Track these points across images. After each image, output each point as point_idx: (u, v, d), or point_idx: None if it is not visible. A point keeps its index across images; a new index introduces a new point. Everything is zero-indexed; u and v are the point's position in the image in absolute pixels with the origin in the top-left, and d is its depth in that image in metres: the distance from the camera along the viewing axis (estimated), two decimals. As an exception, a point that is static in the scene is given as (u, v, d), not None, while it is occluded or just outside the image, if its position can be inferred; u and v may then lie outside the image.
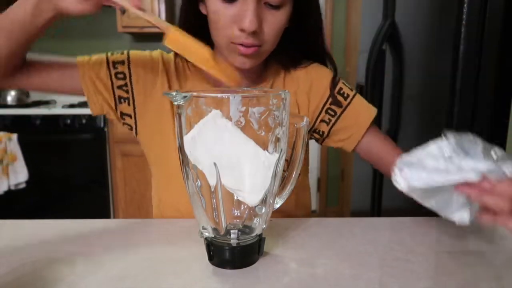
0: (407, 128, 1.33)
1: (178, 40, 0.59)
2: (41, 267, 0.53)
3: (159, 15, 2.54)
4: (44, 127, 2.37)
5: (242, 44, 0.64)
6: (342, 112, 0.78)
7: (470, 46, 0.99)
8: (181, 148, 0.51)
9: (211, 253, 0.53)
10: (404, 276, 0.51)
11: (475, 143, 0.46)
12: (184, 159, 0.51)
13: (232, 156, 0.48)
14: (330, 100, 0.78)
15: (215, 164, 0.47)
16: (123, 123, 0.78)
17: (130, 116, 0.76)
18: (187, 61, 0.78)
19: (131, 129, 0.78)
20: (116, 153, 2.40)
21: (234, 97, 0.46)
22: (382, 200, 1.54)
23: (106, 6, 0.59)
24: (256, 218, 0.52)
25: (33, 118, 2.35)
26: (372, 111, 0.80)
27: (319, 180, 3.07)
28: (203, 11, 0.69)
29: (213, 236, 0.52)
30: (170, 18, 2.72)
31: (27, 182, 2.33)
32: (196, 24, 0.69)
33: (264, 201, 0.51)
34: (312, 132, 0.81)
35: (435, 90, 1.14)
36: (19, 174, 2.30)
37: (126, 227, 0.68)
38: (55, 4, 0.57)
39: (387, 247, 0.60)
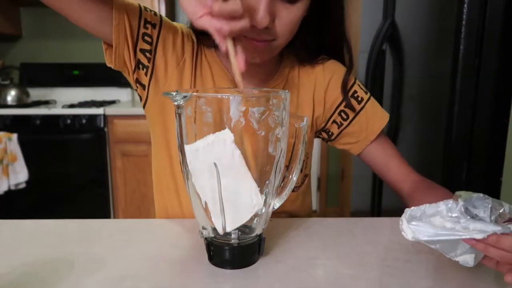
0: (407, 128, 1.34)
1: None
2: (41, 267, 0.53)
3: (159, 15, 2.54)
4: (44, 127, 2.36)
5: (253, 39, 0.60)
6: (354, 117, 0.76)
7: (470, 46, 1.00)
8: (181, 148, 0.51)
9: (211, 253, 0.53)
10: (404, 276, 0.51)
11: (485, 204, 0.46)
12: (184, 159, 0.51)
13: (226, 187, 0.48)
14: (344, 102, 0.75)
15: (215, 164, 0.47)
16: (136, 89, 0.73)
17: (144, 87, 0.70)
18: (203, 51, 0.73)
19: (140, 99, 0.73)
20: (116, 153, 2.40)
21: (234, 97, 0.46)
22: (382, 200, 1.54)
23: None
24: (256, 218, 0.52)
25: (33, 118, 2.35)
26: (385, 117, 0.78)
27: (319, 180, 3.07)
28: None
29: (213, 236, 0.52)
30: (170, 18, 2.72)
31: (27, 182, 2.33)
32: None
33: (264, 201, 0.51)
34: (321, 130, 0.79)
35: (435, 90, 1.14)
36: (19, 174, 2.30)
37: (126, 227, 0.68)
38: None
39: (387, 247, 0.60)
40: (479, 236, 0.44)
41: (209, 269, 0.53)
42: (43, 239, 0.62)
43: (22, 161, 2.29)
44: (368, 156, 0.79)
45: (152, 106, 0.73)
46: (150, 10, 0.70)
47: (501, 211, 0.46)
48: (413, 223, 0.47)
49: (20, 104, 2.51)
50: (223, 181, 0.48)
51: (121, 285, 0.49)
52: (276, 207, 0.56)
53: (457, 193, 0.48)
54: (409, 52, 1.32)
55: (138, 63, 0.68)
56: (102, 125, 2.37)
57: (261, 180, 0.50)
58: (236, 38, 0.56)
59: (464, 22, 0.99)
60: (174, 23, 0.73)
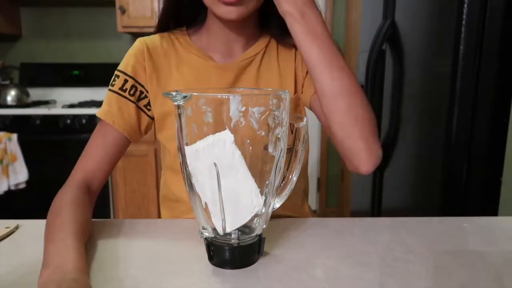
0: (407, 128, 1.33)
1: None
2: (41, 267, 0.53)
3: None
4: (44, 127, 2.37)
5: None
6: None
7: (470, 46, 1.00)
8: (181, 149, 0.51)
9: (211, 253, 0.53)
10: (404, 276, 0.51)
11: None
12: (184, 159, 0.51)
13: (226, 187, 0.48)
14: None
15: (215, 164, 0.47)
16: (147, 115, 0.78)
17: (147, 106, 0.77)
18: (175, 38, 0.79)
19: (154, 131, 0.79)
20: (116, 153, 2.40)
21: (234, 97, 0.46)
22: (382, 200, 1.54)
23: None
24: (256, 218, 0.52)
25: (33, 118, 2.36)
26: None
27: (319, 180, 3.07)
28: None
29: (213, 236, 0.52)
30: (170, 18, 2.72)
31: (27, 182, 2.33)
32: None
33: (264, 201, 0.51)
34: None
35: (435, 90, 1.14)
36: (19, 174, 2.30)
37: (126, 227, 0.68)
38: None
39: (387, 247, 0.60)
40: None
41: (209, 269, 0.53)
42: (43, 239, 0.62)
43: (22, 161, 2.29)
44: (316, 102, 0.74)
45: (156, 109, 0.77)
46: (112, 82, 0.77)
47: None
48: None
49: (20, 104, 2.51)
50: (223, 181, 0.48)
51: (121, 285, 0.49)
52: (276, 207, 0.56)
53: None
54: (409, 52, 1.32)
55: (142, 106, 0.77)
56: (102, 125, 2.37)
57: (261, 180, 0.50)
58: None
59: (464, 22, 0.99)
60: (128, 54, 0.78)
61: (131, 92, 0.75)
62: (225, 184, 0.48)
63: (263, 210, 0.52)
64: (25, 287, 0.49)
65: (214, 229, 0.52)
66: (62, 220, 0.58)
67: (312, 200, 3.11)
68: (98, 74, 2.83)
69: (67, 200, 0.64)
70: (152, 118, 0.77)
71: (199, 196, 0.51)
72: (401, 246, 0.60)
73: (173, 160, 0.79)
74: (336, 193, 3.09)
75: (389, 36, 1.43)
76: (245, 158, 0.48)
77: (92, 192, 0.71)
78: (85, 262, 0.52)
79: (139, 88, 0.76)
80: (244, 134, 0.47)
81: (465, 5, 0.98)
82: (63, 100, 2.86)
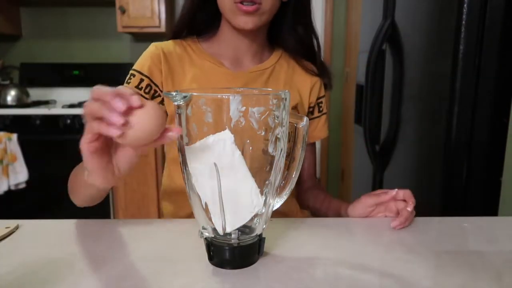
0: (407, 128, 1.33)
1: None
2: (41, 267, 0.53)
3: (159, 15, 2.54)
4: (44, 127, 2.37)
5: (242, 2, 0.71)
6: (311, 118, 0.91)
7: (470, 46, 1.00)
8: (181, 149, 0.51)
9: (211, 253, 0.53)
10: (404, 276, 0.51)
11: None
12: (184, 159, 0.51)
13: (227, 187, 0.48)
14: (312, 107, 0.90)
15: (215, 164, 0.47)
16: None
17: (161, 103, 0.82)
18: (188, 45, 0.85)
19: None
20: (116, 153, 2.40)
21: (234, 97, 0.46)
22: (382, 200, 1.54)
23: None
24: (256, 219, 0.52)
25: (33, 118, 2.36)
26: (326, 133, 0.94)
27: (319, 180, 3.08)
28: None
29: (213, 236, 0.52)
30: (170, 18, 2.72)
31: (27, 182, 2.33)
32: (202, 2, 0.80)
33: (264, 201, 0.51)
34: None
35: (435, 90, 1.14)
36: (19, 174, 2.30)
37: (126, 227, 0.68)
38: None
39: (387, 247, 0.60)
40: None
41: (209, 269, 0.53)
42: (43, 239, 0.62)
43: (22, 161, 2.29)
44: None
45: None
46: (127, 81, 0.83)
47: None
48: None
49: (20, 104, 2.51)
50: (223, 181, 0.48)
51: (121, 285, 0.49)
52: (276, 207, 0.56)
53: None
54: (409, 52, 1.32)
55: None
56: (102, 125, 2.37)
57: (261, 180, 0.50)
58: (230, 7, 0.73)
59: (464, 22, 0.99)
60: (145, 55, 0.85)
61: (146, 91, 0.80)
62: (225, 184, 0.48)
63: (263, 210, 0.52)
64: (25, 287, 0.49)
65: (214, 229, 0.52)
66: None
67: (312, 200, 3.11)
68: (98, 74, 2.83)
69: None
70: (166, 114, 0.81)
71: (199, 196, 0.51)
72: (401, 246, 0.60)
73: None
74: (336, 193, 3.09)
75: (389, 36, 1.43)
76: (245, 158, 0.48)
77: None
78: None
79: (154, 87, 0.80)
80: (244, 134, 0.47)
81: (465, 5, 0.98)
82: (63, 100, 2.86)
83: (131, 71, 0.82)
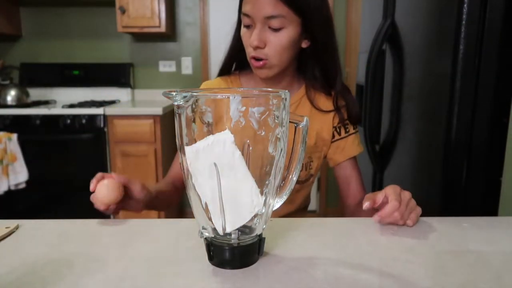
0: (407, 128, 1.33)
1: None
2: (41, 267, 0.53)
3: (159, 15, 2.54)
4: (44, 127, 2.37)
5: (253, 58, 0.83)
6: (343, 137, 0.97)
7: (470, 46, 0.99)
8: (181, 149, 0.51)
9: (211, 253, 0.53)
10: (404, 276, 0.51)
11: None
12: (184, 159, 0.51)
13: (227, 187, 0.48)
14: (339, 124, 0.97)
15: (215, 164, 0.47)
16: None
17: None
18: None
19: None
20: (116, 153, 2.40)
21: (234, 97, 0.46)
22: (382, 200, 1.53)
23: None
24: (256, 219, 0.52)
25: (33, 118, 2.36)
26: (361, 149, 0.99)
27: (319, 180, 3.07)
28: None
29: (213, 236, 0.52)
30: (170, 19, 2.72)
31: (27, 182, 2.33)
32: (239, 48, 0.90)
33: (264, 201, 0.51)
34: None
35: (435, 90, 1.14)
36: (19, 174, 2.30)
37: (126, 227, 0.68)
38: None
39: (387, 247, 0.60)
40: None
41: (209, 269, 0.53)
42: (43, 239, 0.62)
43: (22, 161, 2.29)
44: (339, 170, 0.98)
45: None
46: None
47: None
48: None
49: (20, 104, 2.51)
50: (223, 181, 0.48)
51: (121, 285, 0.49)
52: (276, 207, 0.56)
53: None
54: (409, 52, 1.31)
55: None
56: (102, 125, 2.37)
57: (261, 180, 0.50)
58: (249, 60, 0.86)
59: (464, 22, 0.99)
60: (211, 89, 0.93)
61: None
62: (225, 184, 0.48)
63: (263, 210, 0.52)
64: (25, 287, 0.49)
65: (214, 229, 0.52)
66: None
67: (312, 200, 3.11)
68: (98, 74, 2.83)
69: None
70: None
71: (199, 196, 0.51)
72: (401, 246, 0.60)
73: None
74: (336, 193, 3.09)
75: (389, 36, 1.43)
76: (245, 158, 0.48)
77: (177, 187, 0.95)
78: (149, 191, 0.81)
79: None
80: (244, 134, 0.47)
81: (465, 5, 0.98)
82: (63, 100, 2.86)
83: None
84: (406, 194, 0.68)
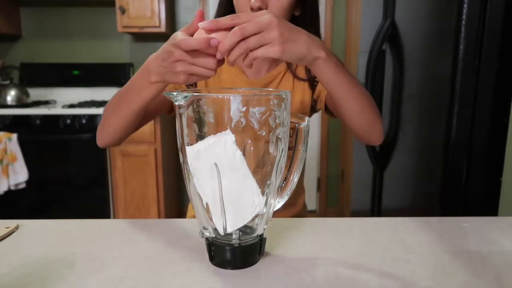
0: (407, 128, 1.33)
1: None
2: (41, 267, 0.53)
3: (159, 15, 2.54)
4: (44, 127, 2.36)
5: None
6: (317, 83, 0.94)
7: (470, 46, 1.00)
8: (182, 149, 0.51)
9: (212, 253, 0.53)
10: (404, 276, 0.51)
11: None
12: (185, 160, 0.51)
13: (228, 188, 0.48)
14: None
15: (216, 164, 0.47)
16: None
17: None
18: None
19: None
20: (116, 153, 2.40)
21: (235, 97, 0.46)
22: (382, 200, 1.54)
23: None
24: (257, 219, 0.52)
25: (33, 118, 2.35)
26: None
27: (319, 180, 3.07)
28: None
29: (214, 236, 0.52)
30: (170, 18, 2.72)
31: (27, 182, 2.33)
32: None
33: (265, 202, 0.51)
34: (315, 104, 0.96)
35: (435, 90, 1.14)
36: (19, 174, 2.30)
37: (126, 227, 0.68)
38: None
39: (387, 247, 0.60)
40: None
41: (209, 269, 0.53)
42: (43, 239, 0.62)
43: (22, 161, 2.29)
44: (329, 103, 0.91)
45: None
46: None
47: None
48: None
49: (20, 104, 2.51)
50: (224, 181, 0.48)
51: (121, 285, 0.49)
52: (277, 208, 0.56)
53: None
54: (409, 52, 1.31)
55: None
56: (102, 125, 2.37)
57: (262, 180, 0.50)
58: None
59: (464, 22, 0.99)
60: None
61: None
62: (226, 184, 0.48)
63: (264, 211, 0.52)
64: (25, 287, 0.49)
65: (215, 229, 0.52)
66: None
67: (312, 200, 3.11)
68: (98, 74, 2.83)
69: None
70: None
71: (200, 196, 0.51)
72: (401, 246, 0.60)
73: None
74: (336, 193, 3.09)
75: (389, 36, 1.43)
76: (246, 158, 0.48)
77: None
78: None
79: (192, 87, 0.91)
80: (245, 134, 0.47)
81: (465, 5, 0.98)
82: (63, 100, 2.86)
83: None
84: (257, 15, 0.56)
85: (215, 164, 0.48)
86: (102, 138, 0.79)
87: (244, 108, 0.46)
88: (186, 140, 0.50)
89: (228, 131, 0.46)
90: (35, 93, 2.79)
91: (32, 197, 2.42)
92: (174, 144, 2.59)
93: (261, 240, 0.54)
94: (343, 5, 2.86)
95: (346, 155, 2.79)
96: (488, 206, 1.04)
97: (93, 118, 2.35)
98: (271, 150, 0.49)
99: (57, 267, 0.53)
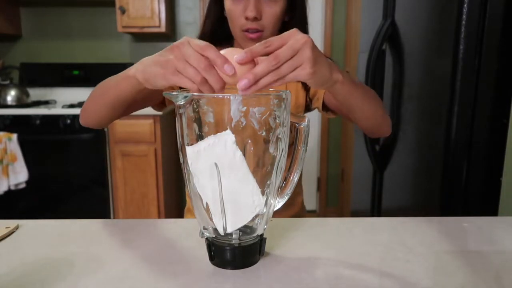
0: (407, 128, 1.33)
1: None
2: (41, 267, 0.53)
3: (159, 15, 2.54)
4: (44, 127, 2.36)
5: (248, 31, 0.82)
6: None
7: (470, 46, 1.00)
8: (182, 149, 0.51)
9: (212, 253, 0.53)
10: (404, 276, 0.51)
11: None
12: (185, 160, 0.51)
13: (228, 188, 0.48)
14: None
15: (216, 164, 0.47)
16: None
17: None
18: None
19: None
20: (116, 153, 2.40)
21: (235, 97, 0.46)
22: (382, 200, 1.54)
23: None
24: (257, 219, 0.52)
25: (33, 118, 2.35)
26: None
27: (319, 180, 3.07)
28: (225, 14, 0.87)
29: (214, 236, 0.52)
30: (170, 18, 2.72)
31: (27, 182, 2.33)
32: (220, 25, 0.90)
33: (265, 202, 0.51)
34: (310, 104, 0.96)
35: (435, 90, 1.14)
36: (19, 174, 2.30)
37: (126, 227, 0.68)
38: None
39: (387, 247, 0.60)
40: None
41: (210, 269, 0.53)
42: (43, 239, 0.62)
43: (22, 161, 2.29)
44: (329, 102, 0.90)
45: None
46: None
47: None
48: None
49: (20, 104, 2.51)
50: (224, 181, 0.48)
51: (121, 285, 0.49)
52: (277, 208, 0.56)
53: None
54: (409, 52, 1.31)
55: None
56: (102, 125, 2.37)
57: (262, 180, 0.50)
58: (239, 34, 0.84)
59: (464, 22, 0.99)
60: None
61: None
62: (226, 184, 0.48)
63: (264, 211, 0.52)
64: (25, 287, 0.49)
65: (215, 229, 0.52)
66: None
67: (312, 200, 3.11)
68: (98, 74, 2.81)
69: None
70: None
71: (200, 196, 0.51)
72: (401, 246, 0.60)
73: None
74: (336, 193, 3.09)
75: (389, 36, 1.43)
76: (246, 158, 0.48)
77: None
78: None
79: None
80: (245, 134, 0.47)
81: (465, 5, 0.98)
82: (63, 100, 2.86)
83: None
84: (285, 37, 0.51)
85: (215, 164, 0.48)
86: (84, 118, 0.78)
87: (244, 108, 0.46)
88: (186, 140, 0.50)
89: (228, 131, 0.46)
90: (35, 93, 2.79)
91: (32, 197, 2.42)
92: (174, 144, 2.59)
93: (261, 240, 0.54)
94: (343, 5, 2.86)
95: (346, 155, 2.79)
96: (488, 206, 1.04)
97: (93, 118, 2.35)
98: (271, 150, 0.49)
99: (57, 267, 0.53)
